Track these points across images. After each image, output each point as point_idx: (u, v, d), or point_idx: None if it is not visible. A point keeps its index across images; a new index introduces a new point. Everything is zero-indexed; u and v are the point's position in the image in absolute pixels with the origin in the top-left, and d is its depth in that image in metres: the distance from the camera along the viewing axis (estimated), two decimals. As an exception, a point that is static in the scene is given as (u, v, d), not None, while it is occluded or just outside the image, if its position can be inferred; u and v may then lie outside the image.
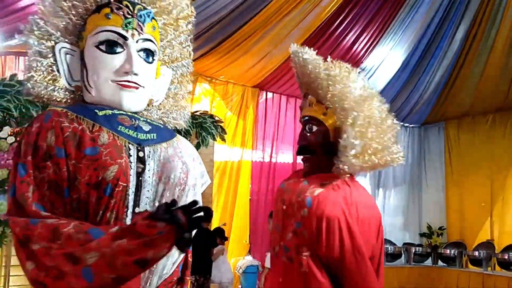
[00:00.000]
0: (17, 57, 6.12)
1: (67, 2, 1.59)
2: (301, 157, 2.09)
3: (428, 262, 8.09)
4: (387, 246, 7.98)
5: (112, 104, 1.56)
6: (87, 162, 1.39)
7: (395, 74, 7.73)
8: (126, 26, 1.56)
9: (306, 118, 2.05)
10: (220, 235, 6.33)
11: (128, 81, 1.55)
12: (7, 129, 5.68)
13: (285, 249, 1.95)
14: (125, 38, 1.56)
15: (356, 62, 7.27)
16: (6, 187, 5.63)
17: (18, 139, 5.72)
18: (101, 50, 1.55)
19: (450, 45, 7.38)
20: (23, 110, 5.83)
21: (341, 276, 1.86)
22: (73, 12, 1.60)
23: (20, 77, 6.02)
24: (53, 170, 1.39)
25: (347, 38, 6.85)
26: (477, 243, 7.82)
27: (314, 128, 2.03)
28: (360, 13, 6.61)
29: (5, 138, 5.67)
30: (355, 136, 1.92)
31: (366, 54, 7.26)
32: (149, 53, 1.61)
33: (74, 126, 1.44)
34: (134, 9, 1.59)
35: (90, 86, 1.57)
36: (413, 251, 8.04)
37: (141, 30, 1.59)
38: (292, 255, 1.92)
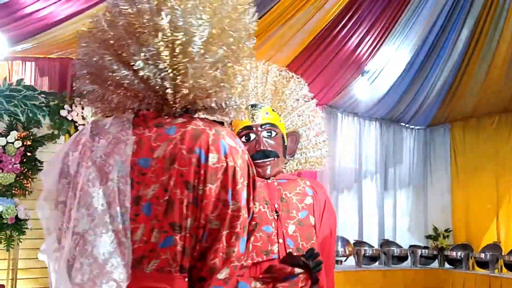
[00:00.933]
0: (23, 62, 6.17)
1: None
2: (260, 161, 2.14)
3: (435, 264, 8.06)
4: (393, 248, 7.98)
5: None
6: None
7: (399, 76, 7.73)
8: None
9: (268, 124, 2.19)
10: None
11: None
12: (14, 134, 5.73)
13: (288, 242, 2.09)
14: None
15: (360, 64, 7.28)
16: (14, 191, 5.68)
17: (24, 143, 5.78)
18: None
19: (455, 46, 7.38)
20: (30, 115, 5.89)
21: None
22: None
23: (27, 82, 6.09)
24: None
25: (351, 40, 6.86)
26: (483, 245, 7.79)
27: (274, 134, 2.18)
28: (364, 15, 6.62)
29: (12, 143, 5.72)
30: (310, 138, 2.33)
31: (371, 56, 7.26)
32: None
33: None
34: None
35: None
36: (420, 253, 8.02)
37: None
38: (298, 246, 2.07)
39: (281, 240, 2.01)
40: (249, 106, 2.15)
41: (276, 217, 2.05)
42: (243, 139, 2.12)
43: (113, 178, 1.25)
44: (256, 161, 2.06)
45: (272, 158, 2.12)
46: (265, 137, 2.14)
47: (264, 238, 1.99)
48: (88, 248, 1.20)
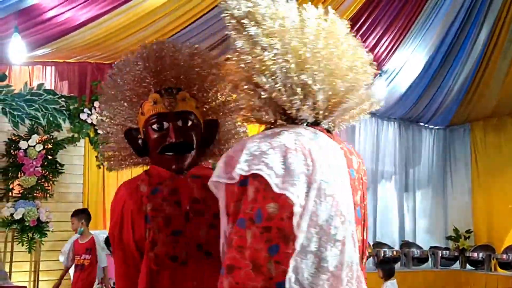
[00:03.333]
0: (44, 66, 6.28)
1: None
2: (171, 154, 1.85)
3: (456, 265, 7.97)
4: (414, 250, 7.90)
5: None
6: None
7: (417, 76, 7.66)
8: None
9: (183, 112, 1.88)
10: None
11: None
12: (35, 137, 5.83)
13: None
14: None
15: (378, 65, 7.22)
16: (35, 194, 5.78)
17: (45, 147, 5.87)
18: None
19: (474, 46, 7.29)
20: (51, 119, 5.98)
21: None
22: None
23: (47, 86, 6.19)
24: None
25: (368, 41, 6.82)
26: (505, 246, 7.67)
27: (190, 123, 1.88)
28: (380, 16, 6.58)
29: (34, 146, 5.81)
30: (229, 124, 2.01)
31: (388, 56, 7.22)
32: None
33: None
34: None
35: None
36: (440, 254, 7.93)
37: None
38: (209, 249, 1.74)
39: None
40: (163, 91, 1.87)
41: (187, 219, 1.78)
42: (155, 127, 1.83)
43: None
44: (167, 154, 1.83)
45: (188, 151, 1.86)
46: (180, 127, 1.86)
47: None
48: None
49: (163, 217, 1.75)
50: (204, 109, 1.97)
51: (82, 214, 5.13)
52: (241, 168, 1.24)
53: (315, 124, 1.44)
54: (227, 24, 1.43)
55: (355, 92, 1.44)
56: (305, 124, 1.42)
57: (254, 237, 1.21)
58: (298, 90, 1.35)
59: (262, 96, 1.37)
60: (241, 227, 1.24)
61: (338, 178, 1.30)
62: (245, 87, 1.42)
